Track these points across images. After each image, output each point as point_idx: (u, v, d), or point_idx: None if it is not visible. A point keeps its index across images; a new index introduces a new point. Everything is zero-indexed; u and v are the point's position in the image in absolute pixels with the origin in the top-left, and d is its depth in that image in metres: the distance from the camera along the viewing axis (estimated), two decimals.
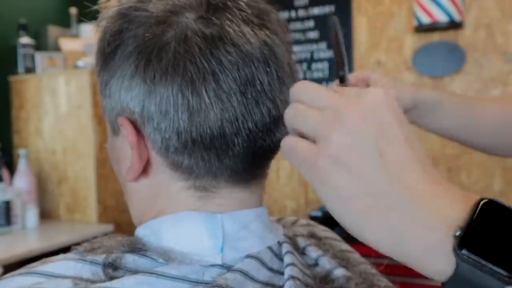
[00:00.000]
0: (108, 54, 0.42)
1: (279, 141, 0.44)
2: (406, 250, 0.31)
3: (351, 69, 2.16)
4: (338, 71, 0.67)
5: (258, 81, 0.40)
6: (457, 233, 0.30)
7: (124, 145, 0.43)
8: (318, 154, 0.33)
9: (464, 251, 0.29)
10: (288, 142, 0.36)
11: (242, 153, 0.41)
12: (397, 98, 0.68)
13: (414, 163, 0.32)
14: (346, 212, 0.33)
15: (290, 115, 0.36)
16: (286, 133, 0.45)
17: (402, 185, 0.31)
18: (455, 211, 0.31)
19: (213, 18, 0.40)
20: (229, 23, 0.39)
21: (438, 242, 0.30)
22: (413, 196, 0.31)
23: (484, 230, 0.29)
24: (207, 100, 0.39)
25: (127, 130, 0.41)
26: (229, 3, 0.41)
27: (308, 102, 0.35)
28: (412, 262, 0.32)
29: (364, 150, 0.32)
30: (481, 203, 0.31)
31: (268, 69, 0.40)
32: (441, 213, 0.31)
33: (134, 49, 0.40)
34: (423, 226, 0.31)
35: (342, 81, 0.67)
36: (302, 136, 0.35)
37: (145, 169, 0.43)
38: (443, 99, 0.74)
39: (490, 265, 0.29)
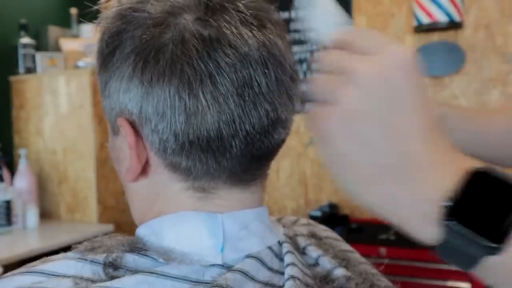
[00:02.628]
0: (107, 55, 0.42)
1: (278, 142, 0.44)
2: (400, 217, 0.32)
3: None
4: None
5: (256, 83, 0.40)
6: (445, 203, 0.30)
7: (124, 145, 0.43)
8: (327, 117, 0.33)
9: (449, 221, 0.30)
10: (308, 111, 0.36)
11: (240, 155, 0.41)
12: None
13: (421, 132, 0.32)
14: (348, 177, 0.33)
15: (309, 87, 0.36)
16: (286, 135, 0.45)
17: (403, 155, 0.31)
18: (448, 182, 0.31)
19: (210, 19, 0.39)
20: (226, 24, 0.39)
21: (427, 212, 0.31)
22: (412, 165, 0.31)
23: (471, 200, 0.30)
24: (204, 102, 0.39)
25: (125, 131, 0.42)
26: (227, 4, 0.40)
27: (325, 70, 0.35)
28: (405, 228, 0.33)
29: (375, 116, 0.31)
30: (473, 172, 0.31)
31: (266, 70, 0.40)
32: (435, 183, 0.31)
33: (132, 50, 0.40)
34: (414, 196, 0.31)
35: None
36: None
37: (144, 170, 0.43)
38: (448, 114, 0.74)
39: (473, 235, 0.29)
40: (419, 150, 0.32)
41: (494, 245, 0.29)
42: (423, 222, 0.31)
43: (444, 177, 0.31)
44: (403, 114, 0.32)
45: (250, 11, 0.41)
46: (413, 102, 0.32)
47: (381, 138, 0.32)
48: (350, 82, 0.32)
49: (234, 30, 0.39)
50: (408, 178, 0.31)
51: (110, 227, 2.02)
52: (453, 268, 1.72)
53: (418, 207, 0.31)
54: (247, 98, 0.40)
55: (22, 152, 2.03)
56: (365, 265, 0.51)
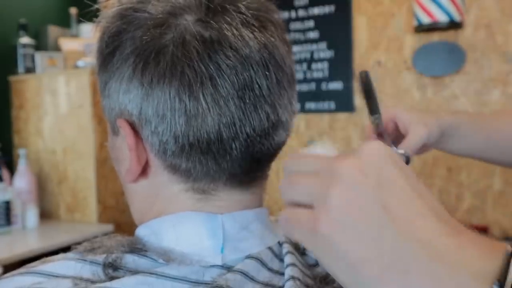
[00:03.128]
0: (106, 55, 0.42)
1: (278, 144, 0.44)
2: None
3: (351, 71, 2.15)
4: (371, 115, 0.68)
5: (257, 85, 0.40)
6: (495, 287, 0.26)
7: (124, 146, 0.43)
8: (316, 218, 0.30)
9: None
10: (284, 214, 0.33)
11: (240, 157, 0.41)
12: (428, 132, 0.68)
13: (426, 214, 0.29)
14: (359, 279, 0.29)
15: (284, 188, 0.33)
16: (286, 137, 0.45)
17: (415, 240, 0.28)
18: (485, 263, 0.27)
19: (211, 21, 0.39)
20: (227, 26, 0.39)
21: None
22: (431, 251, 0.28)
23: None
24: (204, 104, 0.38)
25: (125, 132, 0.41)
26: (228, 5, 0.40)
27: (301, 171, 0.33)
28: None
29: (367, 205, 0.29)
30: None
31: (267, 72, 0.40)
32: (469, 266, 0.27)
33: (132, 51, 0.40)
34: (450, 284, 0.27)
35: (377, 127, 0.68)
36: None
37: (144, 171, 0.43)
38: (460, 121, 0.73)
39: None
40: (431, 232, 0.28)
41: None
42: None
43: (479, 259, 0.27)
44: (400, 198, 0.29)
45: (251, 12, 0.41)
46: (408, 186, 0.30)
47: (380, 224, 0.29)
48: (335, 179, 0.30)
49: (235, 31, 0.39)
50: (430, 265, 0.27)
51: (110, 227, 2.02)
52: None
53: None
54: (247, 101, 0.39)
55: (21, 152, 2.03)
56: None
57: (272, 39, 0.41)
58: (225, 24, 0.39)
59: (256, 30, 0.40)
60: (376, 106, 0.67)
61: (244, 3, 0.41)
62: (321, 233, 0.30)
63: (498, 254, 0.27)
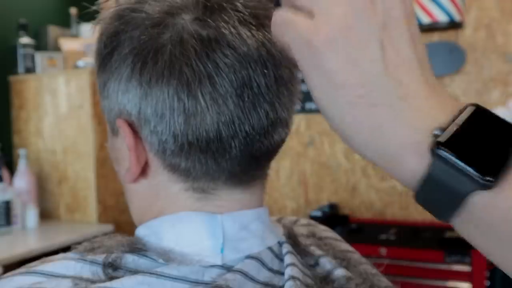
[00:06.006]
0: (105, 55, 0.42)
1: (278, 143, 0.44)
2: (382, 147, 0.30)
3: None
4: None
5: (255, 83, 0.40)
6: (436, 132, 0.29)
7: (123, 146, 0.43)
8: (315, 31, 0.30)
9: (440, 150, 0.28)
10: (282, 15, 0.32)
11: (240, 156, 0.41)
12: None
13: (413, 64, 0.31)
14: (333, 100, 0.31)
15: None
16: (286, 135, 0.45)
17: (396, 82, 0.30)
18: (441, 114, 0.29)
19: (209, 19, 0.39)
20: (225, 24, 0.39)
21: (416, 140, 0.29)
22: (404, 94, 0.30)
23: (464, 132, 0.28)
24: (203, 103, 0.38)
25: (124, 132, 0.41)
26: (225, 4, 0.40)
27: None
28: (385, 160, 0.31)
29: (366, 37, 0.30)
30: (468, 107, 0.30)
31: (265, 70, 0.40)
32: (427, 114, 0.30)
33: (130, 51, 0.40)
34: (405, 124, 0.30)
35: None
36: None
37: (144, 171, 0.43)
38: None
39: (464, 165, 0.27)
40: (412, 79, 0.30)
41: (488, 178, 0.27)
42: (409, 152, 0.29)
43: (438, 109, 0.30)
44: (398, 42, 0.30)
45: (249, 10, 0.41)
46: (408, 33, 0.31)
47: (372, 59, 0.30)
48: None
49: (232, 30, 0.39)
50: (399, 105, 0.30)
51: (110, 227, 2.02)
52: (453, 268, 1.72)
53: (405, 135, 0.29)
54: (246, 99, 0.39)
55: (21, 152, 2.03)
56: (366, 265, 0.51)
57: (270, 37, 0.41)
58: (222, 23, 0.39)
59: (254, 28, 0.40)
60: None
61: (241, 1, 0.41)
62: (314, 45, 0.30)
63: (455, 109, 0.30)
